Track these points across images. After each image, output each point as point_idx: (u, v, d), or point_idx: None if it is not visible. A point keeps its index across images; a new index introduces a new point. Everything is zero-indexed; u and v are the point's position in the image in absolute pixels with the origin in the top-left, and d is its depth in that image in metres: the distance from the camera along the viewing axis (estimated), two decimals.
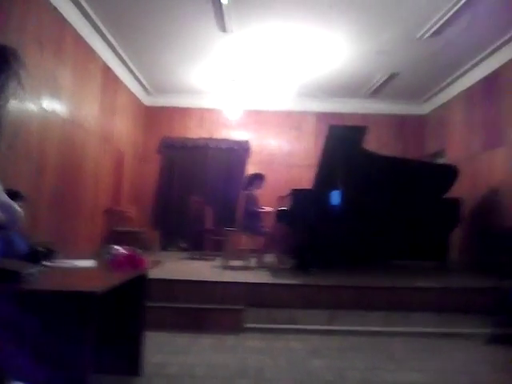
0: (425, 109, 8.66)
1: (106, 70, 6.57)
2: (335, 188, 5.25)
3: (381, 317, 4.12)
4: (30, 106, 4.41)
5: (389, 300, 4.27)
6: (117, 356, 2.80)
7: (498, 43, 5.87)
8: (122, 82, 7.29)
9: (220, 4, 5.07)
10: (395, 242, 5.90)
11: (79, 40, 5.55)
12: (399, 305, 4.23)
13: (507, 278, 3.88)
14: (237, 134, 8.72)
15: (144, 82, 8.04)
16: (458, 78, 7.19)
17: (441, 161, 7.75)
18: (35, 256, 2.58)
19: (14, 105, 4.06)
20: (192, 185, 8.43)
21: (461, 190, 6.11)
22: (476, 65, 6.60)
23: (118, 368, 2.78)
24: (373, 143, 6.42)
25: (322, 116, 8.60)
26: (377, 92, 8.12)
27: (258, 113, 8.74)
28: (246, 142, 8.66)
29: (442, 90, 7.83)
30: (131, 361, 2.83)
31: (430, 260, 6.04)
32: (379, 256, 6.23)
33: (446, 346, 3.72)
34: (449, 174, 5.90)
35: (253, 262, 5.75)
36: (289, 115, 8.77)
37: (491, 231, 5.64)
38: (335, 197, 5.24)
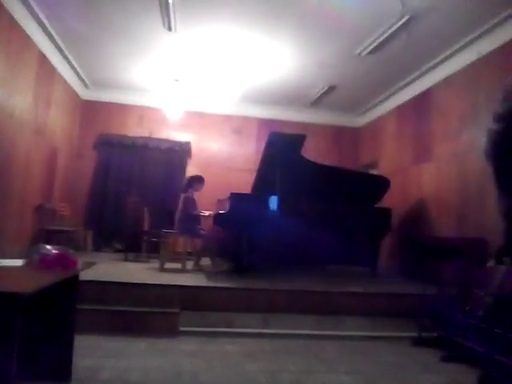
0: (360, 121, 9.05)
1: (42, 59, 6.25)
2: (273, 193, 5.35)
3: (313, 320, 4.24)
4: None
5: (321, 304, 4.41)
6: (45, 360, 2.67)
7: (431, 64, 6.29)
8: (58, 73, 6.96)
9: (167, 2, 5.02)
10: (329, 248, 6.10)
11: (14, 24, 5.23)
12: (331, 309, 4.38)
13: (431, 284, 4.13)
14: (177, 135, 8.61)
15: (82, 75, 7.73)
16: (391, 94, 7.60)
17: (373, 172, 8.12)
18: None
19: None
20: (129, 184, 8.19)
21: (391, 200, 6.46)
22: (409, 84, 7.01)
23: (47, 373, 2.65)
24: (311, 152, 6.62)
25: (263, 122, 8.73)
26: (316, 103, 8.39)
27: (199, 114, 8.70)
28: (187, 144, 8.58)
29: (376, 104, 8.23)
30: (60, 366, 2.70)
31: (361, 266, 6.31)
32: (313, 260, 6.42)
33: (375, 348, 3.90)
34: (381, 184, 6.20)
35: (189, 264, 5.70)
36: (231, 119, 8.81)
37: (418, 240, 5.99)
38: (273, 202, 5.34)
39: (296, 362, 3.42)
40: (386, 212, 5.94)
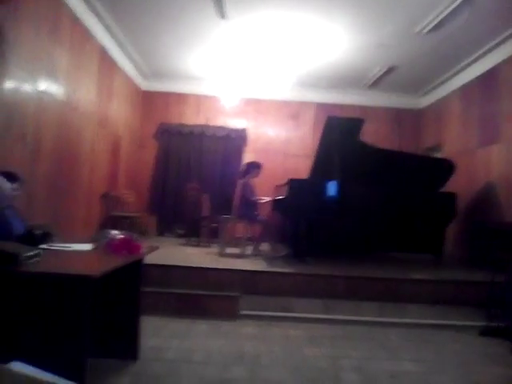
0: (422, 103, 8.66)
1: (103, 53, 6.47)
2: (332, 178, 5.26)
3: (375, 307, 4.16)
4: (26, 88, 4.34)
5: (383, 291, 4.32)
6: (114, 340, 2.81)
7: (497, 40, 5.88)
8: (118, 65, 7.19)
9: None
10: (391, 234, 5.94)
11: (76, 21, 5.42)
12: (394, 296, 4.28)
13: (501, 272, 3.91)
14: (234, 122, 8.66)
15: (141, 67, 7.94)
16: (455, 73, 7.19)
17: (437, 155, 7.78)
18: (32, 238, 2.56)
19: (9, 86, 4.00)
20: (189, 171, 8.41)
21: (457, 184, 6.15)
22: (474, 61, 6.60)
23: (116, 352, 2.79)
24: (370, 135, 6.42)
25: (320, 106, 8.58)
26: (375, 84, 8.11)
27: (255, 101, 8.69)
28: (244, 130, 8.62)
29: (439, 84, 7.83)
30: (128, 345, 2.84)
31: (425, 253, 6.08)
32: (375, 247, 6.27)
33: (439, 337, 3.77)
34: (445, 168, 5.92)
35: (249, 249, 5.76)
36: (287, 104, 8.73)
37: (486, 226, 5.68)
38: (331, 187, 5.25)
39: (358, 348, 3.37)
40: (451, 197, 5.66)
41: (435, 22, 5.46)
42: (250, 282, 4.25)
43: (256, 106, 8.71)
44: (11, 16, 3.95)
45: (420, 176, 5.67)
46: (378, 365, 3.04)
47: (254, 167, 6.13)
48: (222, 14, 5.62)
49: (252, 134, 8.66)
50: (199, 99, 8.69)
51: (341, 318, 4.03)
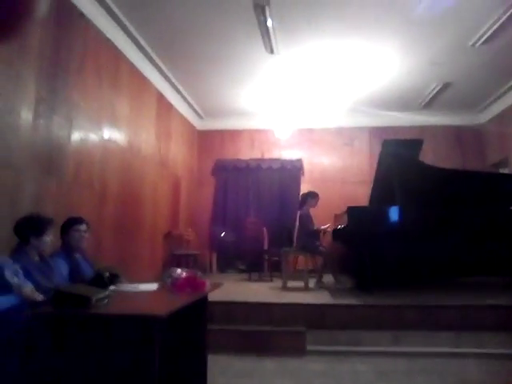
0: (482, 118, 8.30)
1: (160, 98, 6.80)
2: (393, 204, 5.11)
3: (450, 337, 3.92)
4: (92, 137, 4.63)
5: (458, 319, 4.07)
6: (182, 379, 2.82)
7: None
8: (175, 108, 7.51)
9: (266, 26, 5.15)
10: (461, 258, 5.61)
11: (134, 70, 5.76)
12: (469, 324, 4.02)
13: None
14: (289, 153, 8.71)
15: (196, 107, 8.25)
16: None
17: (504, 171, 7.37)
18: (101, 280, 2.66)
19: (77, 137, 4.29)
20: (247, 206, 8.48)
21: None
22: None
23: None
24: (430, 156, 6.23)
25: (374, 131, 8.45)
26: (430, 103, 7.90)
27: (309, 131, 8.72)
28: (299, 161, 8.63)
29: (498, 98, 7.49)
30: (196, 383, 2.84)
31: (500, 276, 5.69)
32: (444, 273, 5.94)
33: None
34: None
35: (312, 282, 5.65)
36: (341, 131, 8.67)
37: None
38: (394, 213, 5.09)
39: (434, 383, 3.16)
40: None
41: (489, 34, 5.28)
42: (315, 316, 4.15)
43: (310, 136, 8.72)
44: (76, 70, 4.28)
45: (489, 194, 5.38)
46: None
47: (311, 197, 6.10)
48: (270, 50, 5.75)
49: (307, 163, 8.65)
50: (253, 134, 8.84)
51: (413, 350, 3.82)
